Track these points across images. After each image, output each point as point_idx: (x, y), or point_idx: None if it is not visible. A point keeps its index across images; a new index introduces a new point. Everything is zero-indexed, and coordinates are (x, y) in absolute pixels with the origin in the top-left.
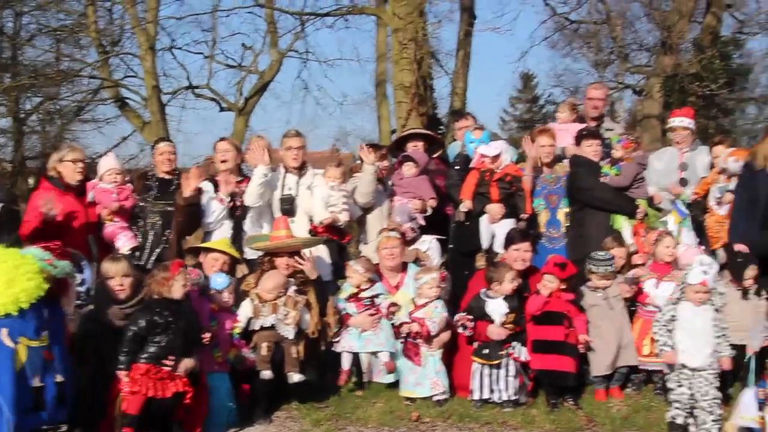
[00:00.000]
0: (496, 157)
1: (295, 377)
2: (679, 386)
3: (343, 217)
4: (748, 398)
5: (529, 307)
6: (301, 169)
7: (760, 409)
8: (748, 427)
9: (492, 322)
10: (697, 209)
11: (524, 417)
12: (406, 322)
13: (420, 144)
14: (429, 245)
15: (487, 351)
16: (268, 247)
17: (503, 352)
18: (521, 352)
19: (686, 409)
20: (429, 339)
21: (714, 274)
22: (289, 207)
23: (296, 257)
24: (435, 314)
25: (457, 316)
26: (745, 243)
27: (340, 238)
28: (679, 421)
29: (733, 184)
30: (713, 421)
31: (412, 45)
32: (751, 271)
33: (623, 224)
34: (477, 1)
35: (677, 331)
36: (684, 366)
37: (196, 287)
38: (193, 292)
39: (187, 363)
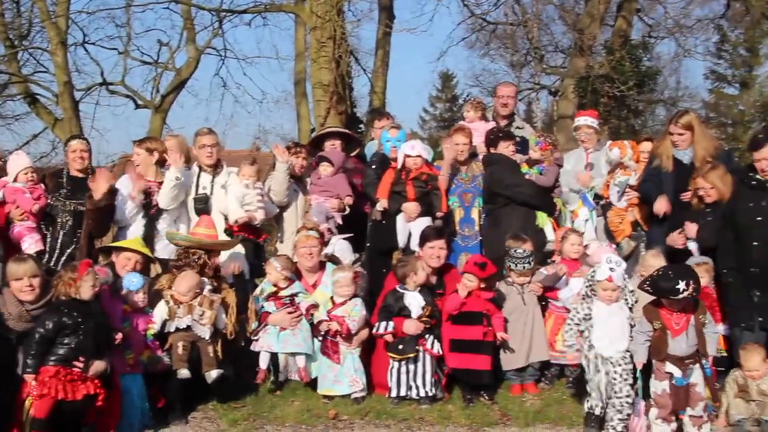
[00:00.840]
0: (416, 156)
1: (213, 374)
2: (597, 371)
3: (259, 216)
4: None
5: (447, 306)
6: (215, 168)
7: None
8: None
9: (408, 317)
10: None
11: (440, 413)
12: (326, 320)
13: (338, 142)
14: (334, 247)
15: (401, 346)
16: (191, 241)
17: (418, 347)
18: (435, 346)
19: (603, 399)
20: (349, 337)
21: (621, 272)
22: (203, 206)
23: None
24: (354, 312)
25: (377, 327)
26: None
27: (256, 237)
28: (597, 412)
29: (633, 177)
30: (620, 419)
31: (330, 43)
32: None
33: (545, 221)
34: (396, 0)
35: (594, 329)
36: (597, 356)
37: (106, 287)
38: (104, 293)
39: (97, 365)
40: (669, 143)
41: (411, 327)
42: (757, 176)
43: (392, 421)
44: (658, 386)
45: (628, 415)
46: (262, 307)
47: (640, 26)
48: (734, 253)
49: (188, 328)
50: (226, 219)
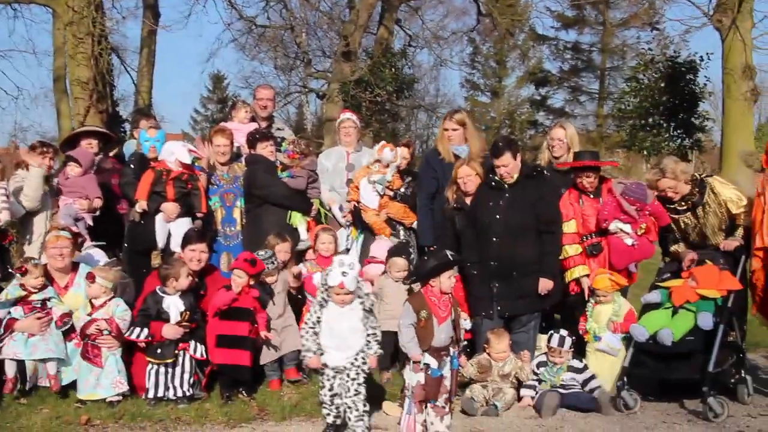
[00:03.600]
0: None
1: None
2: (322, 387)
3: (3, 217)
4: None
5: (216, 301)
6: None
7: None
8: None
9: (167, 320)
10: None
11: (198, 411)
12: (92, 321)
13: (94, 142)
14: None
15: (160, 350)
16: None
17: (177, 351)
18: (198, 350)
19: (334, 407)
20: (117, 337)
21: (355, 275)
22: None
23: None
24: (118, 312)
25: (131, 332)
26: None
27: (1, 239)
28: (330, 420)
29: (389, 175)
30: (356, 418)
31: (89, 39)
32: None
33: (299, 221)
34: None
35: (323, 332)
36: (326, 365)
37: None
38: None
39: None
40: (445, 139)
41: (170, 332)
42: (497, 178)
43: (148, 423)
44: (413, 378)
45: (365, 412)
46: (9, 312)
47: (403, 35)
48: (476, 247)
49: None
50: None
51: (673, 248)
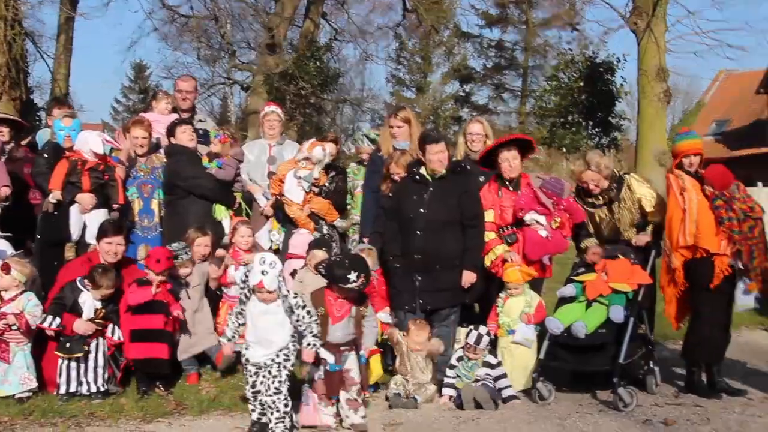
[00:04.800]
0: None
1: None
2: (246, 384)
3: None
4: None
5: (130, 299)
6: None
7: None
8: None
9: (80, 315)
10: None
11: (113, 407)
12: (3, 315)
13: (5, 130)
14: None
15: (69, 344)
16: None
17: (87, 347)
18: (116, 333)
19: (258, 404)
20: (26, 333)
21: (276, 273)
22: None
23: None
24: (29, 307)
25: (43, 320)
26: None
27: None
28: (254, 417)
29: (316, 171)
30: (277, 419)
31: (0, 23)
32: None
33: (223, 214)
34: None
35: (248, 326)
36: (248, 361)
37: None
38: None
39: None
40: (389, 135)
41: (81, 327)
42: (422, 171)
43: (59, 419)
44: (314, 371)
45: (286, 413)
46: None
47: (329, 29)
48: (399, 241)
49: None
50: None
51: (583, 243)
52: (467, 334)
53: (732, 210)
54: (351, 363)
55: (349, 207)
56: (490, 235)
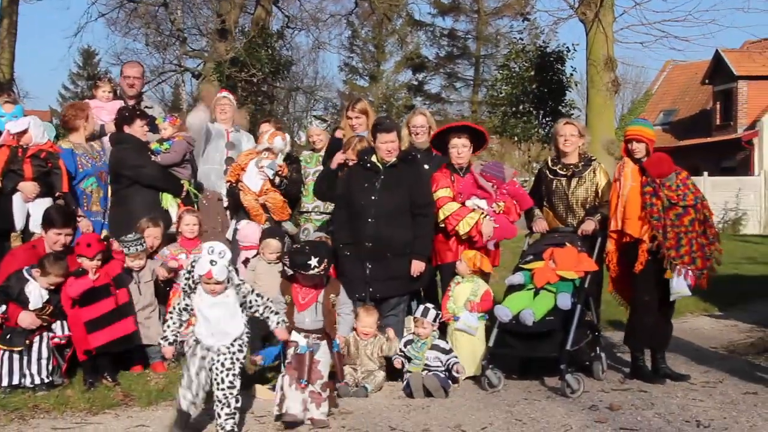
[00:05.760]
0: (22, 133)
1: None
2: (187, 370)
3: None
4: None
5: (71, 292)
6: None
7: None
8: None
9: (26, 305)
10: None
11: (58, 399)
12: None
13: None
14: None
15: (9, 336)
16: None
17: (29, 342)
18: (62, 328)
19: (194, 390)
20: None
21: (225, 264)
22: None
23: None
24: None
25: None
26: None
27: None
28: (183, 405)
29: (279, 160)
30: (227, 415)
31: None
32: None
33: (170, 203)
34: None
35: (198, 321)
36: (197, 342)
37: None
38: None
39: None
40: (349, 128)
41: (26, 320)
42: (373, 159)
43: (2, 412)
44: (288, 354)
45: (237, 408)
46: None
47: (281, 16)
48: (348, 228)
49: None
50: None
51: (533, 223)
52: (415, 310)
53: (656, 197)
54: (321, 354)
55: (302, 195)
56: (453, 206)
